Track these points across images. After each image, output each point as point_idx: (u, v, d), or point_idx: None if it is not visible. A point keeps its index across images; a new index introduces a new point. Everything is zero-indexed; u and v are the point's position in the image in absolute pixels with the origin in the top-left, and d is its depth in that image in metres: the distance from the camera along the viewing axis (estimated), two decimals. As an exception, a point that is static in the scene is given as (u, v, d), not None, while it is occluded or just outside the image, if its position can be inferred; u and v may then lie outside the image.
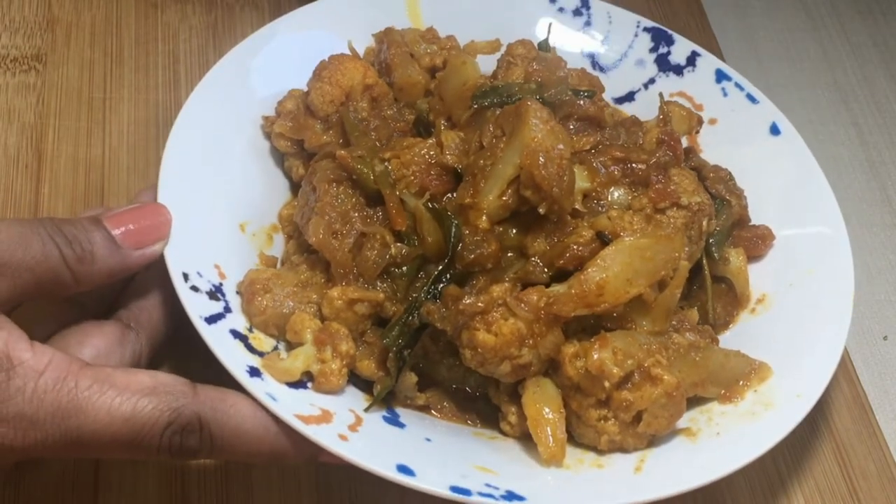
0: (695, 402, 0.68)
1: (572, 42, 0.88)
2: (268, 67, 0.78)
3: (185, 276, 0.64)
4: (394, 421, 0.66)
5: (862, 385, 0.78)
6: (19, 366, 0.54)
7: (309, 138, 0.74)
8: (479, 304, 0.63)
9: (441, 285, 0.66)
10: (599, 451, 0.66)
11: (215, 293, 0.65)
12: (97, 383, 0.54)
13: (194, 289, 0.64)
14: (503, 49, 0.82)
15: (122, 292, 0.67)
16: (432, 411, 0.68)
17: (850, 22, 1.04)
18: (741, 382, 0.68)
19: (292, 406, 0.61)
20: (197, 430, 0.56)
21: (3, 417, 0.53)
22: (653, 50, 0.87)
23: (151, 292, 0.66)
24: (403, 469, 0.59)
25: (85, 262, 0.60)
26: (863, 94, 0.98)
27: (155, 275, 0.66)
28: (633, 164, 0.70)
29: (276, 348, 0.66)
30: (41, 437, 0.53)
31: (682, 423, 0.66)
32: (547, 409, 0.64)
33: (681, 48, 0.86)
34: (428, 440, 0.65)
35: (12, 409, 0.53)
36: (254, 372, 0.62)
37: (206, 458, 0.58)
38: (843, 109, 0.97)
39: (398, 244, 0.67)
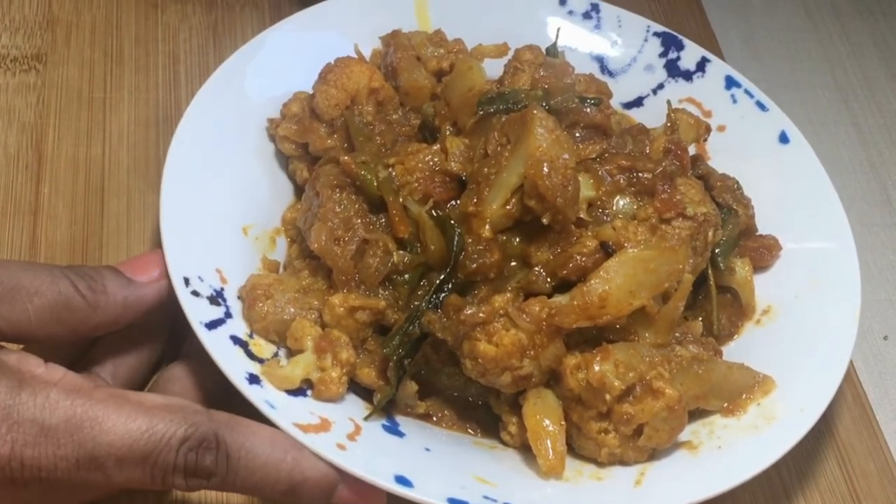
0: (697, 414, 0.70)
1: (581, 45, 0.90)
2: (273, 69, 0.81)
3: (186, 281, 0.66)
4: (393, 430, 0.68)
5: (862, 385, 0.80)
6: (31, 378, 0.55)
7: (313, 141, 0.77)
8: (481, 314, 0.66)
9: (443, 294, 0.68)
10: (599, 464, 0.68)
11: (216, 298, 0.68)
12: (112, 398, 0.55)
13: (195, 294, 0.66)
14: (511, 53, 0.84)
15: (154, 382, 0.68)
16: (433, 419, 0.71)
17: (850, 21, 1.07)
18: (744, 396, 0.70)
19: (291, 414, 0.63)
20: (214, 447, 0.55)
21: (14, 421, 0.53)
22: (662, 55, 0.89)
23: (182, 370, 0.67)
24: (401, 480, 0.61)
25: (96, 289, 0.61)
26: (863, 94, 1.01)
27: (188, 353, 0.67)
28: (639, 174, 0.73)
29: (276, 355, 0.69)
30: (53, 448, 0.53)
31: (683, 436, 0.68)
32: (547, 421, 0.66)
33: (690, 54, 0.89)
34: (427, 450, 0.67)
35: (24, 413, 0.53)
36: (253, 379, 0.65)
37: (219, 487, 0.57)
38: (843, 109, 1.00)
39: (400, 251, 0.70)
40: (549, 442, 0.66)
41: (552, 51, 0.86)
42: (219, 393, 0.65)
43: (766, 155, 0.84)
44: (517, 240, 0.70)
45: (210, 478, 0.56)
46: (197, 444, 0.55)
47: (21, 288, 0.59)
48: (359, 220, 0.71)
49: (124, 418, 0.54)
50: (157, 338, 0.69)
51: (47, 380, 0.55)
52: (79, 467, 0.54)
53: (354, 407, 0.68)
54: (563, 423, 0.67)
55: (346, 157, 0.72)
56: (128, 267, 0.65)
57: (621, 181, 0.73)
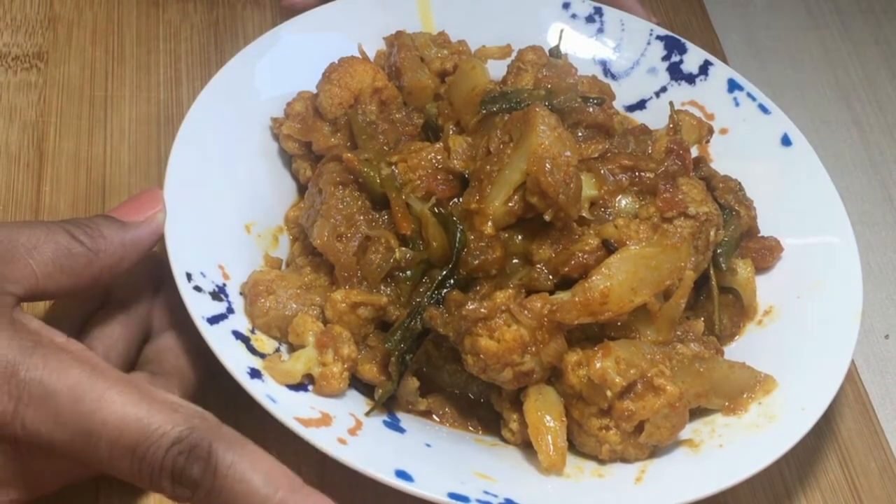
0: (698, 413, 0.72)
1: (584, 48, 0.93)
2: (278, 68, 0.84)
3: (189, 276, 0.69)
4: (394, 426, 0.70)
5: (863, 384, 0.83)
6: (48, 342, 0.56)
7: (317, 140, 0.79)
8: (482, 309, 0.68)
9: (445, 290, 0.71)
10: (600, 461, 0.70)
11: (218, 294, 0.70)
12: (122, 381, 0.55)
13: (197, 289, 0.69)
14: (514, 55, 0.87)
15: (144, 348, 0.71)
16: (434, 417, 0.73)
17: (851, 20, 1.11)
18: (745, 394, 0.72)
19: (292, 408, 0.66)
20: (204, 457, 0.54)
21: (21, 378, 0.54)
22: (665, 58, 0.92)
23: (173, 340, 0.70)
24: (402, 474, 0.64)
25: (93, 235, 0.64)
26: (864, 93, 1.05)
27: (176, 324, 0.70)
28: (642, 173, 0.75)
29: (277, 350, 0.71)
30: (53, 414, 0.54)
31: (684, 434, 0.70)
32: (548, 418, 0.69)
33: (693, 57, 0.91)
34: (428, 446, 0.69)
35: (32, 373, 0.54)
36: (254, 373, 0.67)
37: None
38: (844, 108, 1.03)
39: (403, 248, 0.72)
40: (549, 438, 0.68)
41: (555, 52, 0.88)
42: (209, 363, 0.67)
43: (769, 157, 0.86)
44: (519, 237, 0.72)
45: (195, 490, 0.54)
46: (188, 448, 0.54)
47: (19, 246, 0.61)
48: (361, 217, 0.73)
49: (123, 401, 0.54)
50: (141, 317, 0.71)
51: (64, 348, 0.57)
52: (73, 440, 0.54)
53: (355, 402, 0.71)
54: (564, 419, 0.69)
55: (349, 154, 0.75)
56: (118, 212, 0.68)
57: (623, 180, 0.75)
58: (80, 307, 0.71)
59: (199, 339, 0.67)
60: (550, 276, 0.71)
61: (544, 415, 0.69)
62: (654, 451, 0.70)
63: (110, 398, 0.54)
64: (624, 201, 0.75)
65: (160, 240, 0.69)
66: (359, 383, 0.72)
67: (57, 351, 0.56)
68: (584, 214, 0.73)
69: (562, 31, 0.92)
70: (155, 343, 0.70)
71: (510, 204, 0.71)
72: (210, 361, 0.67)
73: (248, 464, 0.55)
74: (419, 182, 0.74)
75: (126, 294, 0.71)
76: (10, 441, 0.55)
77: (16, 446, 0.56)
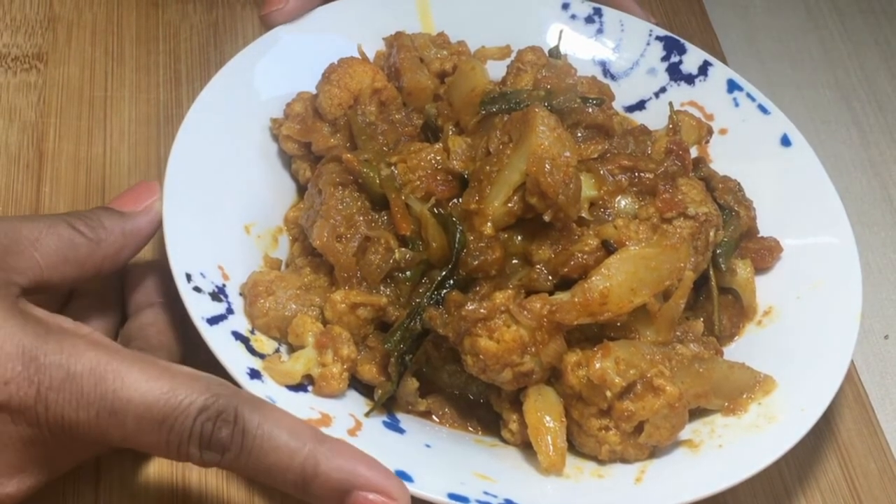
0: (698, 413, 0.72)
1: (584, 49, 0.93)
2: (277, 69, 0.84)
3: (189, 277, 0.69)
4: (394, 426, 0.70)
5: (863, 384, 0.83)
6: (58, 328, 0.57)
7: (316, 141, 0.79)
8: (482, 310, 0.68)
9: (444, 291, 0.71)
10: (600, 461, 0.70)
11: (218, 294, 0.70)
12: (139, 359, 0.56)
13: (197, 289, 0.69)
14: (514, 55, 0.87)
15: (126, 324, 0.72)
16: (433, 417, 0.73)
17: (851, 20, 1.11)
18: (745, 395, 0.72)
19: (292, 409, 0.65)
20: (231, 421, 0.55)
21: (41, 363, 0.54)
22: (664, 59, 0.92)
23: (154, 316, 0.71)
24: (401, 475, 0.64)
25: (94, 226, 0.66)
26: (864, 93, 1.05)
27: (152, 301, 0.72)
28: (641, 173, 0.75)
29: (277, 351, 0.71)
30: (76, 395, 0.54)
31: (684, 434, 0.70)
32: (548, 418, 0.69)
33: (693, 57, 0.91)
34: (428, 446, 0.69)
35: (51, 357, 0.55)
36: (254, 374, 0.67)
37: (231, 466, 0.57)
38: (844, 108, 1.04)
39: (402, 249, 0.72)
40: (549, 438, 0.68)
41: (555, 53, 0.88)
42: (189, 336, 0.69)
43: (768, 158, 0.86)
44: (519, 237, 0.72)
45: (224, 453, 0.56)
46: (215, 414, 0.55)
47: (23, 238, 0.62)
48: (361, 218, 0.73)
49: (146, 377, 0.55)
50: (113, 302, 0.72)
51: (75, 332, 0.58)
52: (98, 419, 0.55)
53: (355, 403, 0.71)
54: (563, 419, 0.69)
55: (348, 155, 0.75)
56: (117, 203, 0.70)
57: (623, 181, 0.75)
58: (48, 303, 0.71)
59: (178, 313, 0.69)
60: (550, 277, 0.71)
61: (544, 415, 0.69)
62: (654, 452, 0.70)
63: (132, 375, 0.55)
64: (623, 202, 0.75)
65: (159, 227, 0.70)
66: (358, 384, 0.72)
67: (69, 335, 0.57)
68: (583, 215, 0.73)
69: (561, 31, 0.92)
70: (136, 321, 0.71)
71: (510, 204, 0.71)
72: (189, 334, 0.69)
73: (274, 422, 0.57)
74: (419, 182, 0.74)
75: (94, 283, 0.71)
76: (31, 425, 0.56)
77: (36, 431, 0.56)
